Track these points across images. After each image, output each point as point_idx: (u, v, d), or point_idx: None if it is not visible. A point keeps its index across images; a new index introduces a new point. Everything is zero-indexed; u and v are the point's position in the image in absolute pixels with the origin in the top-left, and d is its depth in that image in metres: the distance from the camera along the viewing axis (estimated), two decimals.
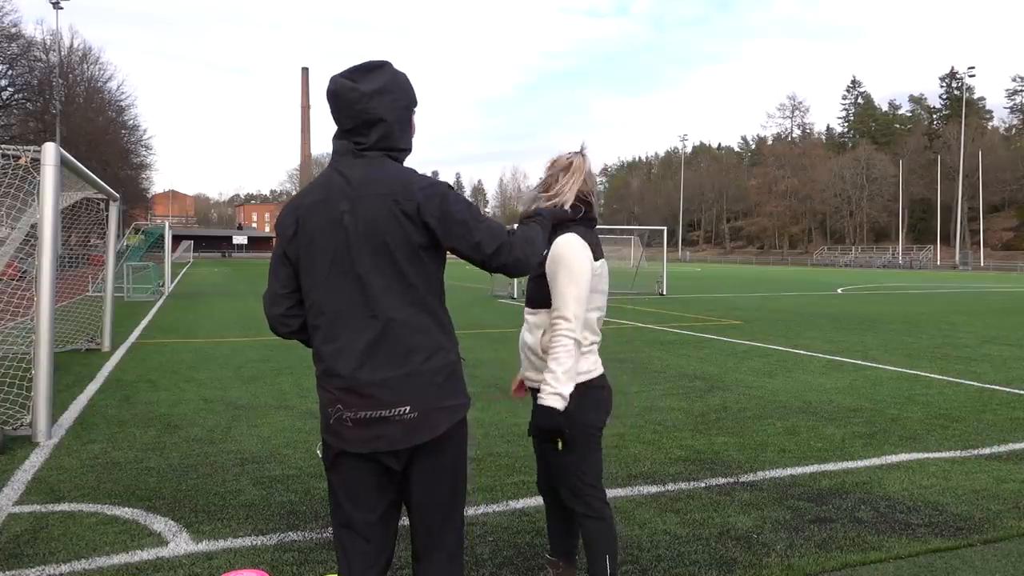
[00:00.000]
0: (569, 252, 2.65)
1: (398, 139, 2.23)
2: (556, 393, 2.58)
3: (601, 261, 2.78)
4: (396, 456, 2.18)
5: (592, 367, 2.77)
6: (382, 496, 2.26)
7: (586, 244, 2.69)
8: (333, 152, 2.25)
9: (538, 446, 2.92)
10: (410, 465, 2.21)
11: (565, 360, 2.59)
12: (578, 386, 2.68)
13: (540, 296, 2.73)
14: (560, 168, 2.81)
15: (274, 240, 2.30)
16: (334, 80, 2.20)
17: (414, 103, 2.29)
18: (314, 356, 2.23)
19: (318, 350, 2.20)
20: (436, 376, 2.16)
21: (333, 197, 2.17)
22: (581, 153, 2.84)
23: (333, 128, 2.26)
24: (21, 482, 4.76)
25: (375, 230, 2.11)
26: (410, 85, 2.27)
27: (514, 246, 2.21)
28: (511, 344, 11.53)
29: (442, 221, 2.13)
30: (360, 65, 2.23)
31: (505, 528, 4.01)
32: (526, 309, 2.84)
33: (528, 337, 2.80)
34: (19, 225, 7.61)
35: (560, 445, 2.65)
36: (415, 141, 2.33)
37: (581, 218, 2.76)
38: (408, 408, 2.12)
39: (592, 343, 2.78)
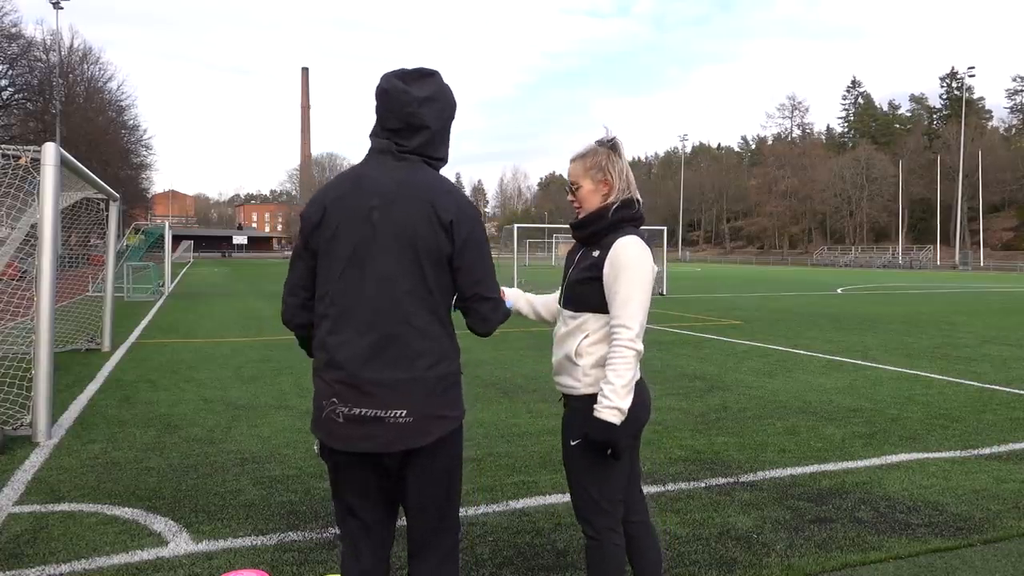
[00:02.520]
0: (634, 255, 2.43)
1: (438, 147, 2.27)
2: (614, 408, 2.39)
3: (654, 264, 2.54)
4: (388, 457, 2.19)
5: None
6: (382, 489, 2.29)
7: (647, 247, 2.48)
8: (371, 149, 2.27)
9: (568, 469, 2.66)
10: (404, 468, 2.22)
11: (625, 373, 2.39)
12: (596, 395, 2.48)
13: (590, 300, 2.50)
14: (604, 166, 2.56)
15: (298, 230, 2.32)
16: (387, 79, 2.22)
17: (454, 116, 2.33)
18: (316, 346, 2.23)
19: (323, 340, 2.19)
20: (438, 384, 2.17)
21: (365, 191, 2.18)
22: (613, 141, 2.59)
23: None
24: (21, 482, 4.76)
25: (408, 232, 2.13)
26: (454, 98, 2.32)
27: (500, 310, 2.31)
28: (511, 344, 11.54)
29: (467, 242, 2.17)
30: (413, 70, 2.26)
31: (505, 528, 4.02)
32: (566, 312, 2.59)
33: (566, 342, 2.57)
34: (19, 225, 7.61)
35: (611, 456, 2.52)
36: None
37: (635, 218, 2.55)
38: (404, 412, 2.12)
39: None
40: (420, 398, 2.14)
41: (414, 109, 2.19)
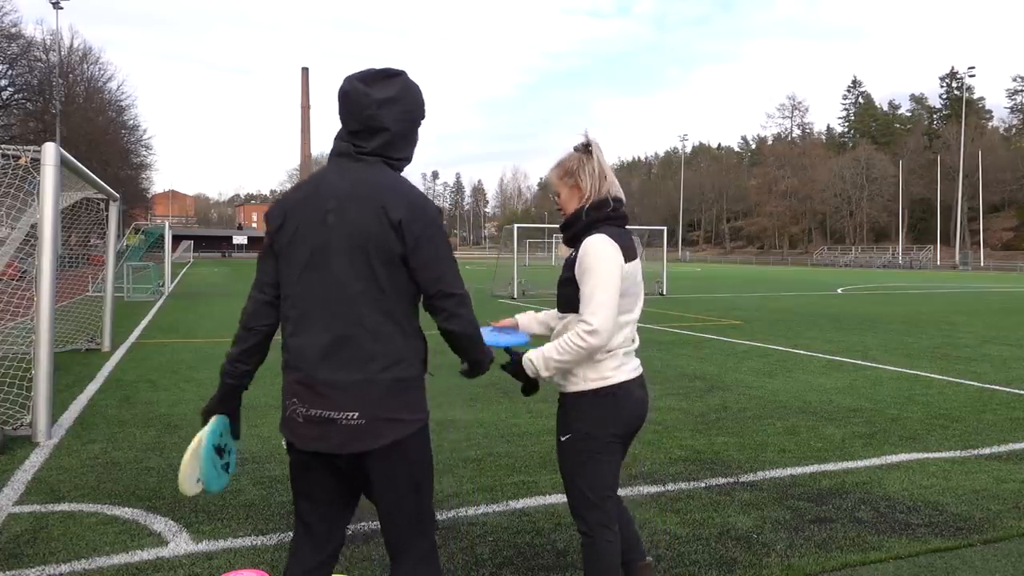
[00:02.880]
0: (597, 253, 2.52)
1: (398, 148, 2.25)
2: (533, 367, 2.59)
3: (635, 262, 2.60)
4: (342, 459, 2.20)
5: (610, 372, 2.58)
6: (335, 492, 2.30)
7: (615, 244, 2.54)
8: (332, 151, 2.27)
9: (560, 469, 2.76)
10: (363, 471, 2.22)
11: (565, 355, 2.51)
12: (582, 394, 2.59)
13: (572, 300, 2.60)
14: (575, 170, 2.65)
15: (265, 231, 2.35)
16: (348, 80, 2.22)
17: (422, 116, 2.31)
18: (282, 346, 2.28)
19: (286, 342, 2.25)
20: (393, 387, 2.16)
21: (322, 195, 2.19)
22: (579, 148, 2.68)
23: (333, 128, 2.28)
24: (21, 482, 4.76)
25: (359, 233, 2.13)
26: (421, 98, 2.30)
27: (468, 306, 2.24)
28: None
29: (419, 240, 2.15)
30: (377, 71, 2.25)
31: (505, 528, 4.02)
32: (559, 313, 2.73)
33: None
34: (19, 225, 7.60)
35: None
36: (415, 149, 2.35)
37: (612, 216, 2.61)
38: (356, 414, 2.13)
39: (614, 348, 2.60)
40: (372, 400, 2.14)
41: (373, 111, 2.18)
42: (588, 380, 2.58)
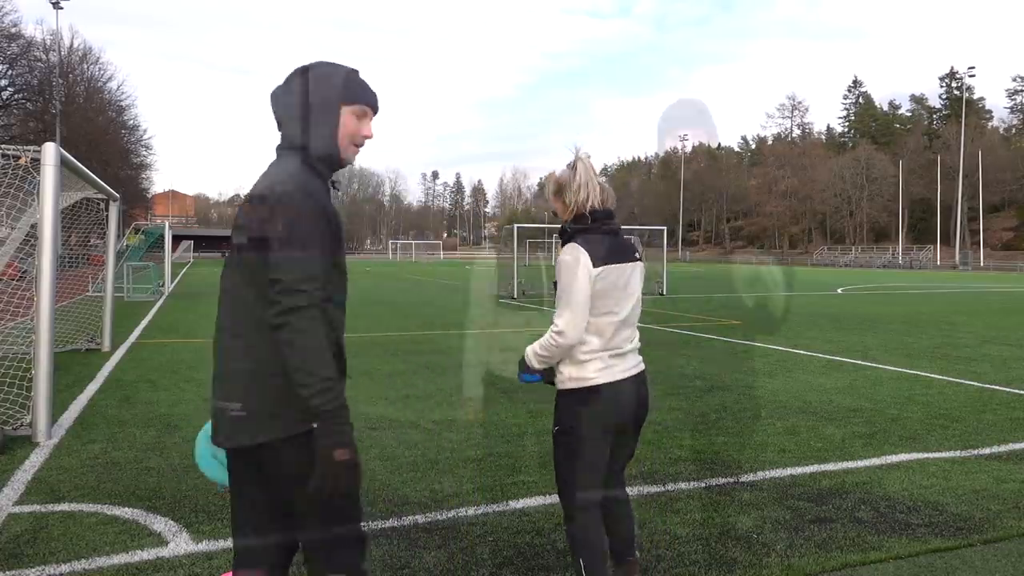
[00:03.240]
0: (564, 260, 2.77)
1: (298, 138, 2.24)
2: (527, 358, 2.89)
3: (613, 266, 2.79)
4: (241, 452, 2.19)
5: (592, 374, 2.79)
6: (255, 495, 2.27)
7: (583, 251, 2.76)
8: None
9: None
10: (261, 469, 2.19)
11: (544, 351, 2.81)
12: (567, 391, 2.83)
13: None
14: (562, 187, 2.91)
15: None
16: None
17: (334, 98, 2.22)
18: None
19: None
20: (282, 381, 2.04)
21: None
22: (569, 166, 2.92)
23: None
24: (21, 482, 4.76)
25: (241, 224, 2.17)
26: (328, 81, 2.22)
27: (293, 298, 1.99)
28: (513, 344, 11.53)
29: (266, 221, 2.06)
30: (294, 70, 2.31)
31: (505, 528, 4.02)
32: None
33: None
34: (19, 225, 7.60)
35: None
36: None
37: (590, 228, 2.83)
38: (239, 405, 2.12)
39: (598, 350, 2.80)
40: (258, 392, 2.10)
41: (276, 108, 2.27)
42: (572, 380, 2.81)
